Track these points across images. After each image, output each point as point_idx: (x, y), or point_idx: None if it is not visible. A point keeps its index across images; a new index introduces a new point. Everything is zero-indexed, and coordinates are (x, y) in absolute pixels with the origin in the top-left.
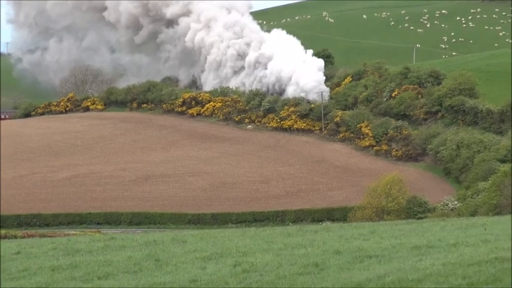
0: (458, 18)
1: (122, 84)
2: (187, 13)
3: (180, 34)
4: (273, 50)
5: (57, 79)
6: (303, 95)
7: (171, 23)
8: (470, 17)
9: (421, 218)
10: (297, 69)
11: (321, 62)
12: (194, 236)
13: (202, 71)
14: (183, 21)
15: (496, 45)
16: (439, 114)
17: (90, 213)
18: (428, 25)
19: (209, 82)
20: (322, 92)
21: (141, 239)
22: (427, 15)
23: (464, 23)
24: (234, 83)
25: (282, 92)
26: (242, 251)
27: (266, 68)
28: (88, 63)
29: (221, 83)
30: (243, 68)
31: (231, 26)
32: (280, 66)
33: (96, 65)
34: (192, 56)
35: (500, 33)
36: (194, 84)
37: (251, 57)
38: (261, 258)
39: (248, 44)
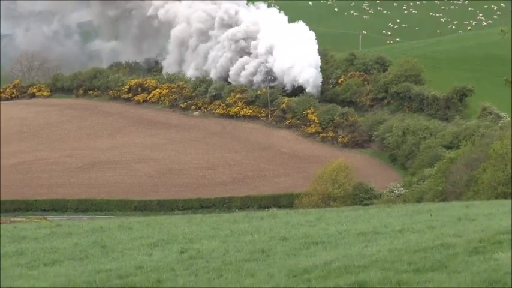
0: (396, 4)
1: (68, 71)
2: None
3: (146, 4)
4: (254, 17)
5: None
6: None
7: None
8: (411, 3)
9: (367, 205)
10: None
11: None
12: (140, 223)
13: (164, 58)
14: None
15: (438, 31)
16: (385, 100)
17: (36, 200)
18: (370, 11)
19: (170, 65)
20: (269, 77)
21: (88, 225)
22: (367, 2)
23: (406, 10)
24: (195, 63)
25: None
26: (188, 238)
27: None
28: (56, 50)
29: (181, 64)
30: (209, 38)
31: None
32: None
33: (63, 52)
34: (157, 34)
35: (442, 20)
36: (152, 69)
37: (221, 13)
38: (208, 244)
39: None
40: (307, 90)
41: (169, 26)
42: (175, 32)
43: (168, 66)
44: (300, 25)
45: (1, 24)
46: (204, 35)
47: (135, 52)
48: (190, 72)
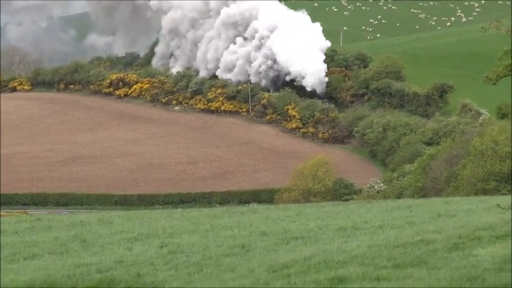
0: (371, 1)
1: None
2: None
3: None
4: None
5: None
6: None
7: None
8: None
9: (347, 200)
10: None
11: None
12: (121, 217)
13: (153, 53)
14: None
15: (417, 27)
16: (366, 96)
17: (16, 193)
18: (350, 7)
19: (158, 61)
20: (249, 73)
21: (68, 220)
22: None
23: (384, 6)
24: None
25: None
26: (169, 232)
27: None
28: (49, 44)
29: (169, 59)
30: (201, 26)
31: None
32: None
33: (56, 46)
34: (148, 26)
35: (421, 16)
36: (133, 63)
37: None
38: (188, 239)
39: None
40: (310, 87)
41: (161, 19)
42: (167, 19)
43: (157, 62)
44: (303, 16)
45: None
46: (196, 23)
47: (126, 46)
48: (177, 68)
